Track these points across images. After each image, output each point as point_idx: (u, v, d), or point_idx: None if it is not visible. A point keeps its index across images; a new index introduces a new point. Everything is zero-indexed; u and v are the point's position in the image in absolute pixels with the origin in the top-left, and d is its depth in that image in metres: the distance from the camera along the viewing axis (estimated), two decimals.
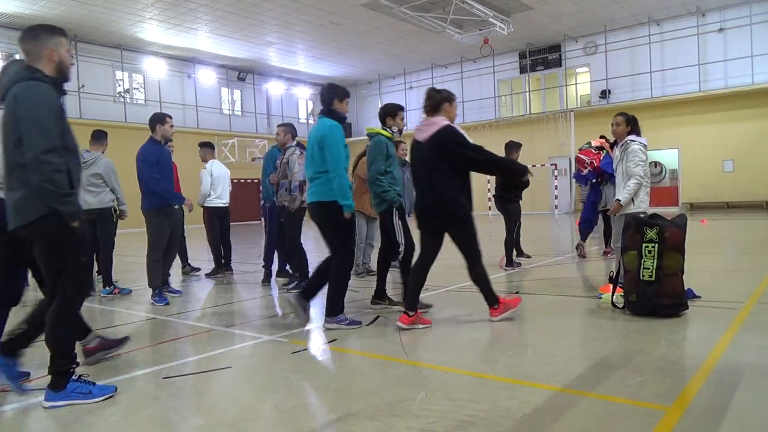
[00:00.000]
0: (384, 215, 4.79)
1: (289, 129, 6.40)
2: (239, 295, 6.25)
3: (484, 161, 4.17)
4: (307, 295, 4.44)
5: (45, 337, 2.88)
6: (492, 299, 4.35)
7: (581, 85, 23.82)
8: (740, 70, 19.55)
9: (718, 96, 19.91)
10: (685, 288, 4.35)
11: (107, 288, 6.24)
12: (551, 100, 24.35)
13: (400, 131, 4.97)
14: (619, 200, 4.95)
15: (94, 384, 2.92)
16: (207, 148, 7.97)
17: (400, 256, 4.77)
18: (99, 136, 6.46)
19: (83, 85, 20.68)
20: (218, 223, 7.68)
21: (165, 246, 5.81)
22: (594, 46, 22.88)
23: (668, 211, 8.48)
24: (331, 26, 20.49)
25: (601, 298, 4.93)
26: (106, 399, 2.89)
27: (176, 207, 6.05)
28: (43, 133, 2.66)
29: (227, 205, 7.77)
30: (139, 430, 2.52)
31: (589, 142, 5.47)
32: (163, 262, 5.96)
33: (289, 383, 3.10)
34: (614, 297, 4.54)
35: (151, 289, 5.76)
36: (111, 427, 2.55)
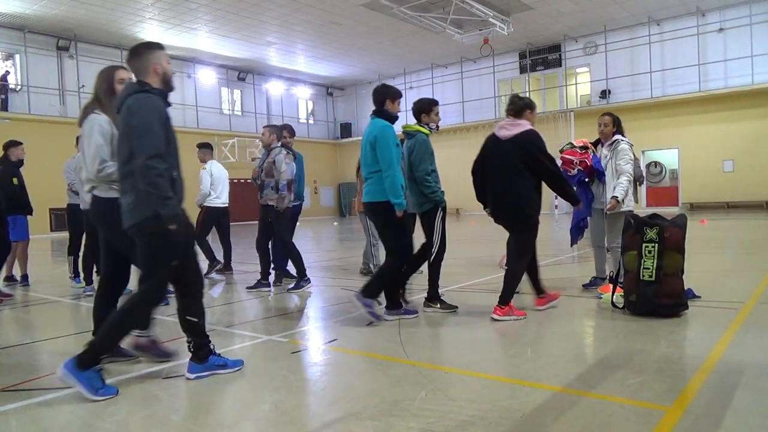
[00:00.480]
0: (429, 215, 4.72)
1: (274, 130, 6.41)
2: (239, 295, 6.24)
3: (555, 174, 4.37)
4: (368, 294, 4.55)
5: (110, 321, 3.06)
6: (505, 298, 4.40)
7: (581, 85, 23.83)
8: (740, 70, 19.55)
9: (718, 96, 19.91)
10: (685, 288, 4.35)
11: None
12: (551, 100, 24.36)
13: (437, 127, 4.96)
14: (616, 197, 5.06)
15: (227, 358, 3.31)
16: (206, 148, 7.98)
17: (432, 257, 4.76)
18: None
19: (83, 85, 20.67)
20: (216, 223, 7.71)
21: None
22: (594, 46, 22.88)
23: (668, 211, 8.47)
24: (331, 26, 20.49)
25: (601, 298, 4.92)
26: (237, 371, 3.23)
27: None
28: (149, 140, 2.90)
29: (227, 205, 7.78)
30: (139, 430, 2.52)
31: (571, 143, 5.52)
32: None
33: (289, 383, 3.10)
34: (614, 297, 4.54)
35: None
36: (111, 427, 2.55)
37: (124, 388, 3.08)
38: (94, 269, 6.80)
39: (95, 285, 6.47)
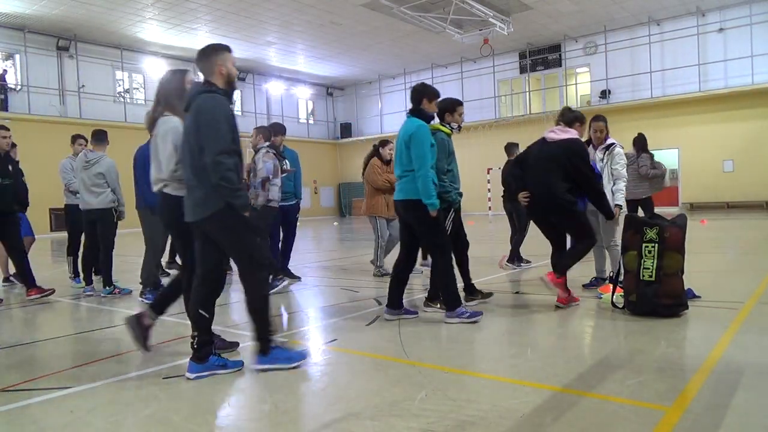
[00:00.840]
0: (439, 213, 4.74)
1: (261, 131, 6.38)
2: (239, 295, 6.23)
3: (594, 186, 4.62)
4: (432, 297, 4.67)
5: (248, 310, 3.32)
6: (561, 271, 4.62)
7: (581, 85, 23.82)
8: (740, 70, 19.55)
9: (718, 96, 19.91)
10: (685, 288, 4.35)
11: (107, 288, 6.24)
12: (551, 100, 24.35)
13: (459, 127, 5.03)
14: (619, 205, 5.17)
15: (291, 350, 3.47)
16: None
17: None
18: (101, 137, 6.48)
19: (83, 85, 20.68)
20: None
21: (165, 246, 5.81)
22: (594, 46, 22.88)
23: (668, 211, 8.47)
24: (331, 26, 20.49)
25: (601, 298, 4.93)
26: (299, 365, 3.31)
27: None
28: (218, 138, 3.10)
29: None
30: (139, 430, 2.52)
31: None
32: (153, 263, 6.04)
33: (289, 383, 3.10)
34: (614, 297, 4.54)
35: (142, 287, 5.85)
36: (111, 427, 2.55)
37: (124, 388, 3.09)
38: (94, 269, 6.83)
39: (95, 285, 6.52)
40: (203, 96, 3.17)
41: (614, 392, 2.73)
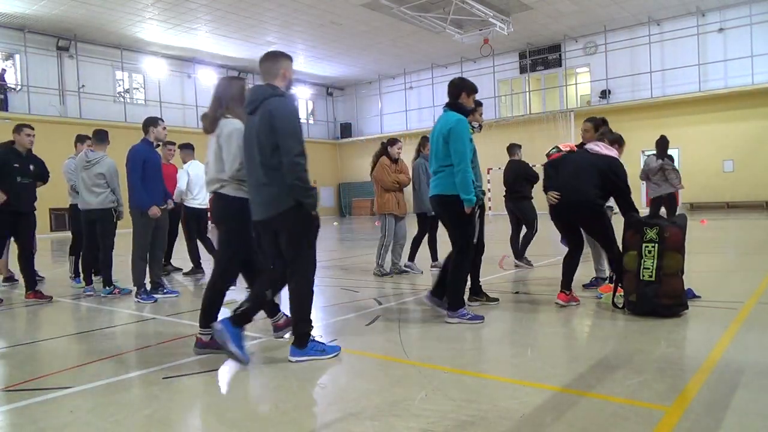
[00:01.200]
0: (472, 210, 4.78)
1: None
2: (239, 295, 6.23)
3: (627, 197, 4.67)
4: (437, 294, 4.60)
5: (292, 304, 3.50)
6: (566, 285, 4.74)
7: (581, 85, 23.82)
8: (740, 70, 19.55)
9: (718, 96, 19.91)
10: (685, 288, 4.36)
11: (107, 288, 6.25)
12: (551, 100, 24.35)
13: (480, 126, 5.07)
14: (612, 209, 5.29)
15: (325, 344, 3.60)
16: (187, 149, 8.12)
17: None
18: (102, 137, 6.48)
19: (83, 85, 20.68)
20: (195, 224, 7.80)
21: (149, 245, 5.87)
22: (594, 46, 22.88)
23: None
24: (331, 26, 20.50)
25: (601, 298, 4.93)
26: (335, 357, 3.47)
27: (162, 207, 6.05)
28: (295, 140, 3.28)
29: (204, 206, 7.78)
30: (139, 430, 2.52)
31: (558, 147, 5.60)
32: (151, 263, 6.04)
33: (289, 383, 3.10)
34: (615, 297, 4.55)
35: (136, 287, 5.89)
36: (111, 427, 2.55)
37: (124, 388, 3.09)
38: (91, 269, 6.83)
39: (95, 285, 6.52)
40: (276, 99, 3.33)
41: (614, 392, 2.73)
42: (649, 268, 4.23)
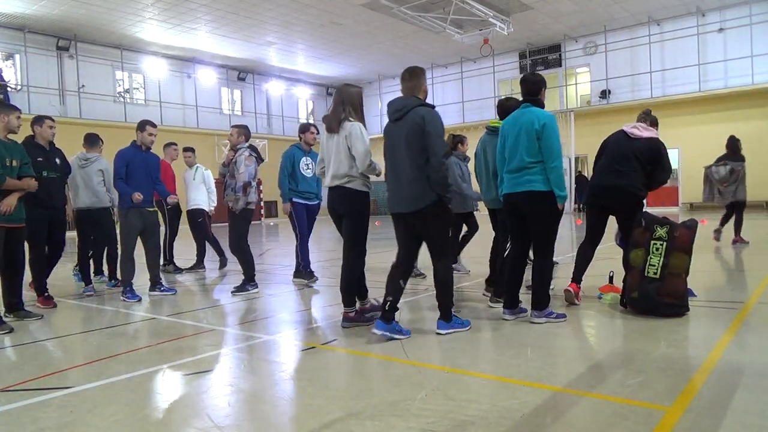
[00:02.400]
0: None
1: (243, 130, 6.27)
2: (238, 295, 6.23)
3: (665, 176, 4.84)
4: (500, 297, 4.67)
5: (439, 285, 3.96)
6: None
7: (581, 85, 23.82)
8: (740, 70, 19.55)
9: (718, 96, 19.90)
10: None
11: (112, 281, 6.59)
12: (551, 100, 24.31)
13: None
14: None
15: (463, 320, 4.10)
16: (189, 152, 8.44)
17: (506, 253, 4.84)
18: (94, 140, 6.67)
19: (83, 85, 20.68)
20: (206, 225, 8.22)
21: (134, 244, 5.92)
22: (594, 46, 22.88)
23: (668, 211, 8.48)
24: (331, 26, 20.50)
25: (601, 298, 4.92)
26: (469, 329, 4.03)
27: (151, 209, 6.05)
28: (442, 142, 3.82)
29: (198, 207, 8.13)
30: (139, 430, 2.52)
31: None
32: (150, 263, 6.11)
33: (290, 383, 3.10)
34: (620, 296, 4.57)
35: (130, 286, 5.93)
36: (111, 427, 2.55)
37: (125, 388, 3.09)
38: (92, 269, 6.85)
39: (94, 285, 6.53)
40: (425, 108, 3.86)
41: (614, 392, 2.73)
42: (654, 266, 4.24)
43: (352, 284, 4.35)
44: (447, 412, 2.55)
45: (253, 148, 6.24)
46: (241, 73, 26.29)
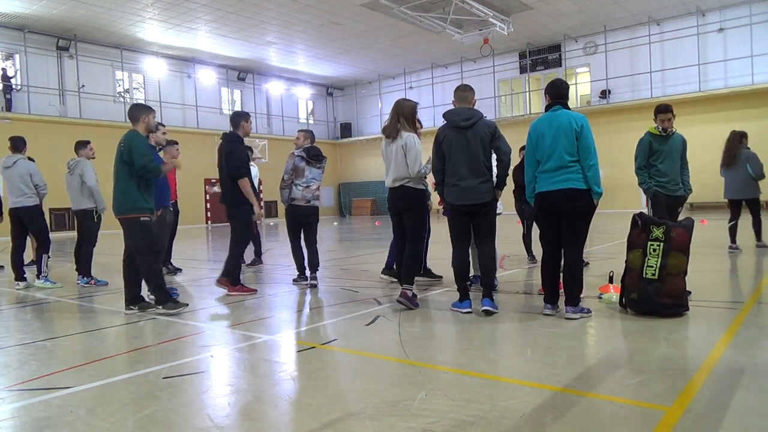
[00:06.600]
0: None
1: (309, 135, 6.75)
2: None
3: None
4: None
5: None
6: None
7: (581, 85, 23.82)
8: (740, 70, 19.55)
9: (718, 96, 19.91)
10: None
11: (85, 278, 6.90)
12: None
13: (665, 131, 5.72)
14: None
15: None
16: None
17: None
18: (81, 143, 7.17)
19: (83, 85, 20.68)
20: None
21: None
22: (594, 46, 22.88)
23: None
24: (331, 26, 20.50)
25: (600, 298, 4.92)
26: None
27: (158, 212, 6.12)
28: (507, 146, 4.66)
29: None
30: (139, 430, 2.52)
31: None
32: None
33: (290, 383, 3.10)
34: (613, 296, 4.55)
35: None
36: (111, 427, 2.55)
37: (125, 388, 3.09)
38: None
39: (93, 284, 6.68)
40: (488, 119, 4.66)
41: (614, 392, 2.73)
42: (652, 267, 4.24)
43: (415, 266, 5.03)
44: (447, 412, 2.55)
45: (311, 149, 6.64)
46: (241, 73, 26.30)
